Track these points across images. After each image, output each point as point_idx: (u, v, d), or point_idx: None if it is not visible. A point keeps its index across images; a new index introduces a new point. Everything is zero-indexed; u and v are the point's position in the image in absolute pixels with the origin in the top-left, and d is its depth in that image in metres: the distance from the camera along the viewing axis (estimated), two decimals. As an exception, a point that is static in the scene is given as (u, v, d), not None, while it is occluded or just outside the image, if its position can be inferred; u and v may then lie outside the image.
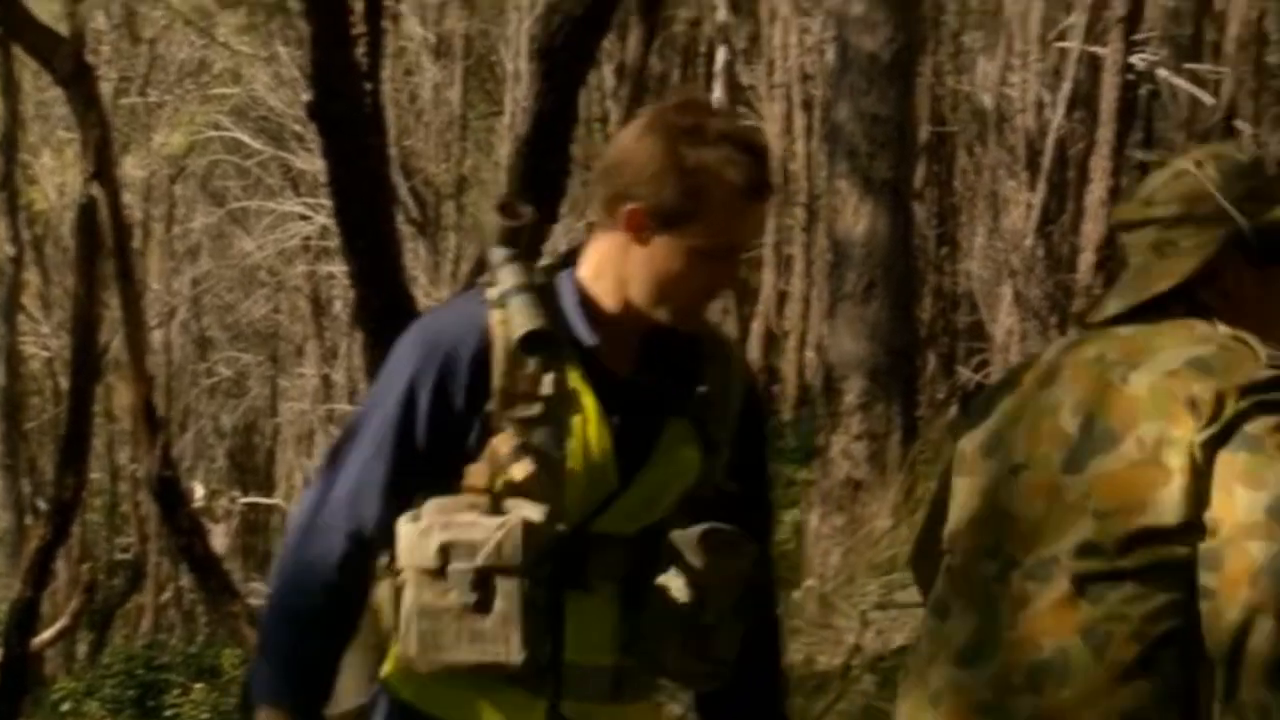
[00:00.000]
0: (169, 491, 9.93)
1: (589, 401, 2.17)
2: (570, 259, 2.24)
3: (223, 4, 17.62)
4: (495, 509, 2.14)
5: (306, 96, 5.22)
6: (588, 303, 2.19)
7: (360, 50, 5.07)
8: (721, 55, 14.35)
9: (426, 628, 2.15)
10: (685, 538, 2.21)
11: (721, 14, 14.61)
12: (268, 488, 24.93)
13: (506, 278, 2.18)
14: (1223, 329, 2.14)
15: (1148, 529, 2.06)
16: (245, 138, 20.56)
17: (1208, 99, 14.60)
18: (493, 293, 2.18)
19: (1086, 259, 14.20)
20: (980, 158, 17.02)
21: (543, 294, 2.17)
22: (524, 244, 2.23)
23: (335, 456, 2.24)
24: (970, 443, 2.26)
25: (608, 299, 2.19)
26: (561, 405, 2.16)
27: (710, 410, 2.25)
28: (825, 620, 6.14)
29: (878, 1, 8.00)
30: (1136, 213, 2.24)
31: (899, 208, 8.17)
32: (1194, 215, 2.18)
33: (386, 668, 2.26)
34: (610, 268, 2.18)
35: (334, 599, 2.19)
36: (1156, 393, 2.08)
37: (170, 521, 10.27)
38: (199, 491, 20.28)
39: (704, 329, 2.29)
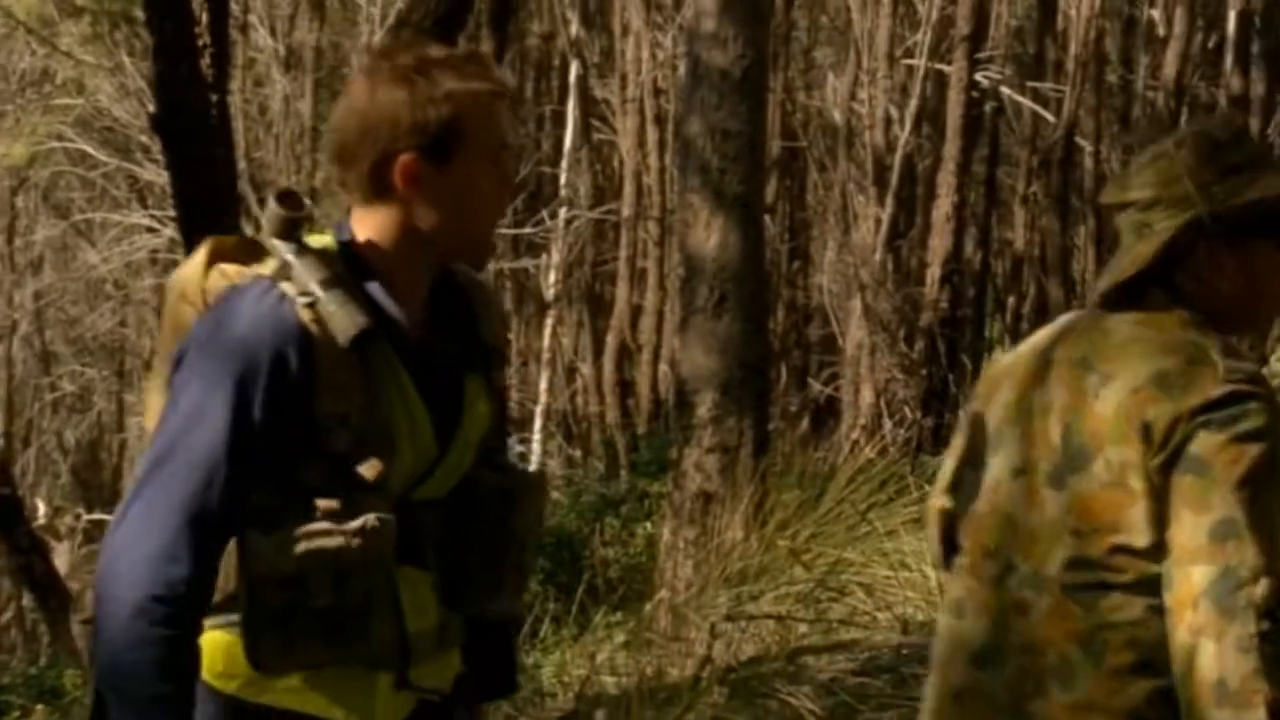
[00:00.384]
0: (8, 509, 9.71)
1: (405, 379, 2.17)
2: (348, 246, 2.18)
3: (65, 13, 17.28)
4: (344, 508, 2.11)
5: (151, 108, 5.13)
6: (381, 279, 2.17)
7: (205, 61, 5.00)
8: (574, 69, 14.35)
9: (280, 637, 2.12)
10: (506, 481, 2.31)
11: (574, 28, 14.61)
12: (113, 505, 24.46)
13: (305, 273, 2.12)
14: (1190, 333, 2.16)
15: (1123, 547, 2.11)
16: (90, 149, 20.19)
17: (1049, 116, 14.91)
18: (291, 289, 2.11)
19: (933, 273, 14.44)
20: (830, 173, 17.23)
21: (347, 285, 2.13)
22: (303, 237, 2.17)
23: (148, 491, 2.07)
24: (989, 422, 2.29)
25: (396, 268, 2.18)
26: (384, 390, 2.15)
27: (493, 358, 2.31)
28: (676, 632, 6.16)
29: (728, 18, 8.06)
30: (1116, 196, 2.27)
31: (750, 222, 8.23)
32: (1164, 198, 2.21)
33: (205, 666, 2.17)
34: (392, 235, 2.17)
35: (176, 672, 2.05)
36: (1119, 415, 2.12)
37: (9, 540, 10.04)
38: (41, 509, 19.83)
39: (467, 277, 2.31)
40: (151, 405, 2.28)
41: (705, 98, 8.08)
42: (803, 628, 6.02)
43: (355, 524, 2.11)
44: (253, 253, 2.26)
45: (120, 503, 2.12)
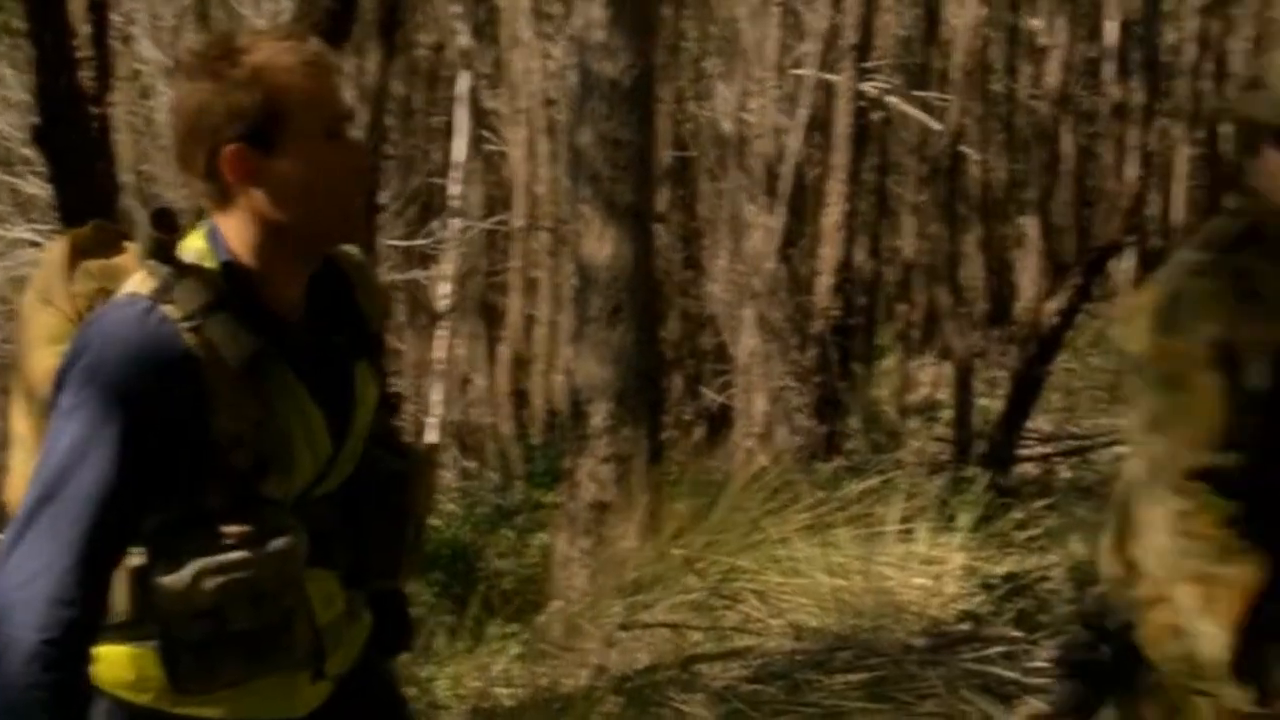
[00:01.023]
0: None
1: (299, 389, 2.15)
2: (224, 257, 2.13)
3: (-55, 24, 16.96)
4: (253, 532, 2.09)
5: (33, 120, 5.07)
6: (260, 285, 2.12)
7: (87, 73, 4.94)
8: (464, 80, 14.31)
9: (200, 664, 2.10)
10: (398, 463, 2.32)
11: (464, 39, 14.57)
12: (3, 526, 24.02)
13: (187, 295, 2.05)
14: None
15: None
16: (-29, 162, 19.83)
17: (936, 125, 15.09)
18: (174, 312, 2.05)
19: (824, 281, 14.54)
20: (722, 182, 17.31)
21: (230, 303, 2.08)
22: (178, 255, 2.11)
23: (36, 529, 2.00)
24: None
25: (270, 269, 2.12)
26: (280, 404, 2.12)
27: (377, 342, 2.28)
28: (570, 643, 6.16)
29: (617, 29, 8.08)
30: None
31: (642, 232, 8.25)
32: None
33: (114, 681, 2.15)
34: (253, 234, 2.11)
35: (70, 709, 2.01)
36: None
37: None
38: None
39: (346, 260, 2.28)
40: (19, 430, 2.21)
41: (595, 108, 8.10)
42: (697, 636, 6.05)
43: (268, 549, 2.09)
44: (111, 245, 2.21)
45: (3, 537, 2.06)
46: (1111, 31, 15.29)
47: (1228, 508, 2.32)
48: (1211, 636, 2.28)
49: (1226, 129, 17.35)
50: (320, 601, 2.20)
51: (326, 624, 2.21)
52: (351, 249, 2.30)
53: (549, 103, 16.65)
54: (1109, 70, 15.37)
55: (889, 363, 20.69)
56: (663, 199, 18.30)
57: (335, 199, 2.12)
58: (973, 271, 21.34)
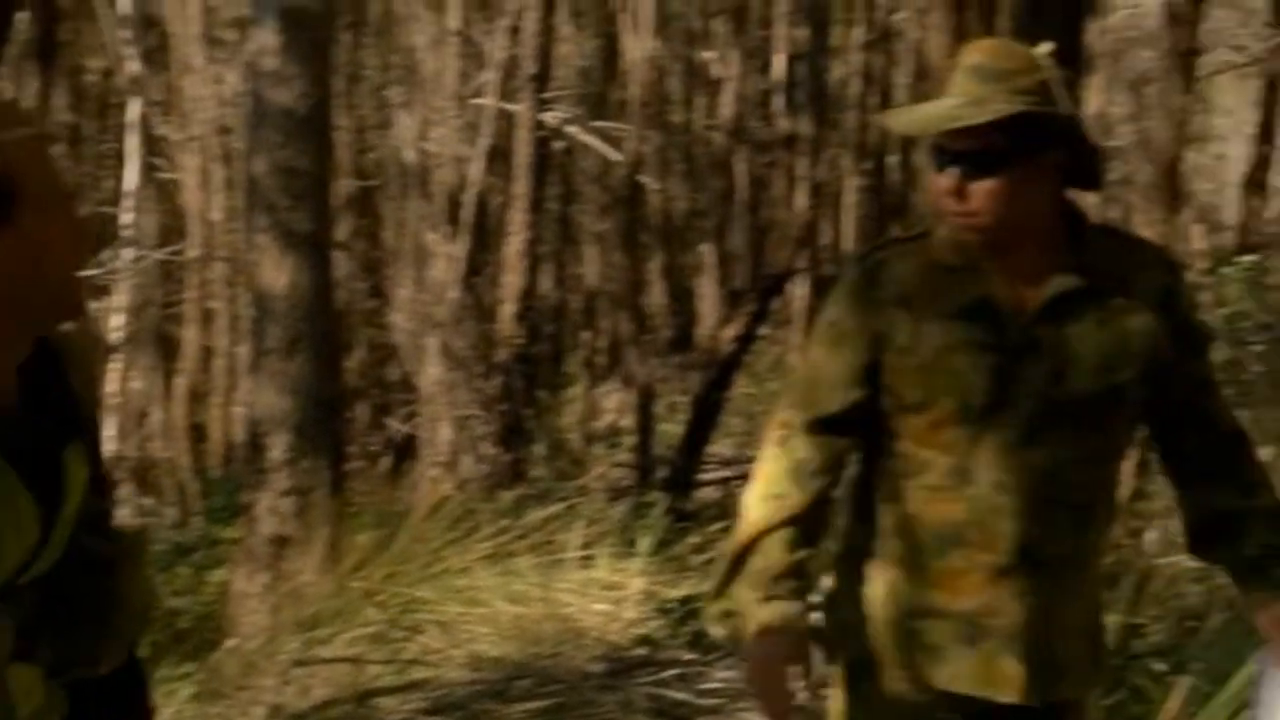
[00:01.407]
0: None
1: (10, 477, 2.03)
2: None
3: None
4: None
5: None
6: None
7: None
8: (135, 107, 13.90)
9: None
10: (107, 548, 2.22)
11: (134, 65, 14.17)
12: None
13: None
14: None
15: None
16: None
17: (615, 155, 15.33)
18: None
19: (508, 309, 14.61)
20: (405, 211, 17.23)
21: None
22: None
23: None
24: None
25: None
26: None
27: (91, 424, 2.20)
28: (245, 680, 6.04)
29: (290, 56, 7.98)
30: None
31: (320, 261, 8.16)
32: None
33: None
34: None
35: None
36: None
37: None
38: None
39: (59, 335, 2.18)
40: None
41: (269, 136, 7.99)
42: (375, 669, 6.00)
43: None
44: None
45: None
46: (780, 65, 15.77)
47: (826, 447, 2.73)
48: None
49: (892, 159, 18.05)
50: (20, 693, 2.10)
51: (27, 718, 2.11)
52: (69, 326, 2.21)
53: (224, 131, 16.32)
54: (779, 102, 15.83)
55: (575, 390, 20.89)
56: (346, 228, 18.12)
57: (62, 274, 2.05)
58: (655, 299, 21.72)
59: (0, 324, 2.03)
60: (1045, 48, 2.61)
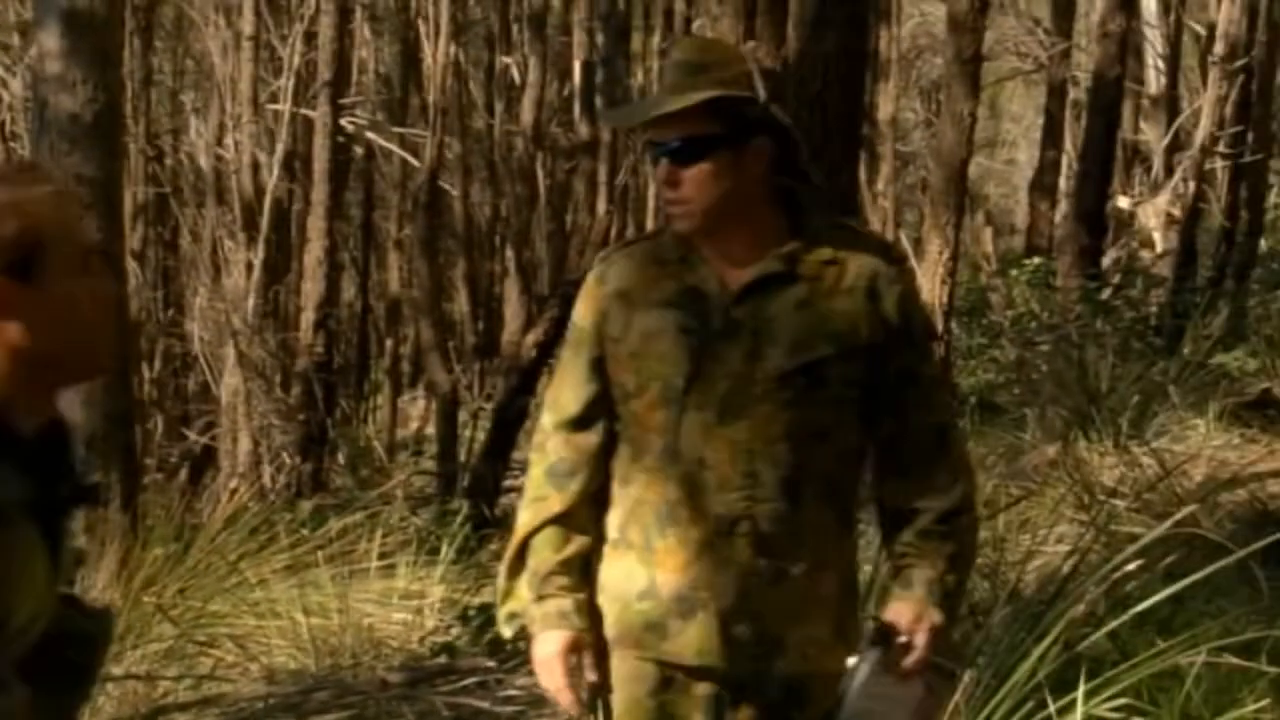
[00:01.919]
0: None
1: (34, 532, 1.98)
2: None
3: None
4: None
5: None
6: (5, 425, 1.98)
7: None
8: (-84, 112, 13.51)
9: None
10: (87, 625, 2.16)
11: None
12: None
13: None
14: None
15: None
16: None
17: (415, 161, 15.25)
18: None
19: (308, 317, 14.45)
20: (201, 219, 16.95)
21: None
22: None
23: None
24: None
25: (14, 405, 1.99)
26: (14, 554, 1.95)
27: (91, 494, 2.16)
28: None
29: (75, 60, 7.78)
30: None
31: (112, 270, 8.00)
32: None
33: None
34: (4, 368, 1.98)
35: None
36: None
37: None
38: None
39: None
40: None
41: (55, 143, 7.78)
42: (168, 685, 5.88)
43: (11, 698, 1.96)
44: None
45: None
46: (576, 72, 15.84)
47: (576, 446, 2.85)
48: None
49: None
50: None
51: None
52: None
53: (12, 137, 15.90)
54: (579, 108, 15.90)
55: (379, 398, 20.71)
56: (141, 236, 17.77)
57: (92, 333, 2.03)
58: (459, 305, 21.64)
59: (28, 382, 2.01)
60: (751, 45, 2.74)
